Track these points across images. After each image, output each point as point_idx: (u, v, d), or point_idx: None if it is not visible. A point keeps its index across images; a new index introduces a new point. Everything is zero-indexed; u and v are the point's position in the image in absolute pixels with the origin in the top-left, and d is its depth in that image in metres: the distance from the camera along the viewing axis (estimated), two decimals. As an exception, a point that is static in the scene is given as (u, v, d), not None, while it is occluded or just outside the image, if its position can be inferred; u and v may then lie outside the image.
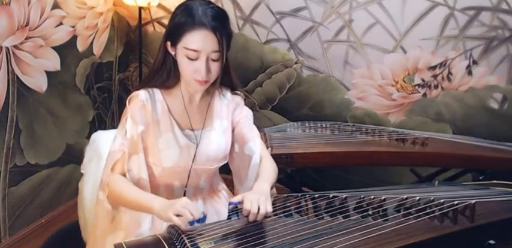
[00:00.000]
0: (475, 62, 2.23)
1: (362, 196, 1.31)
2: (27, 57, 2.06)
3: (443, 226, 1.21)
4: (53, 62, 2.23)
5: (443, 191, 1.50)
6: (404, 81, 2.36)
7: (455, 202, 1.26)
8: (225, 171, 1.53)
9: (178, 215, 1.12)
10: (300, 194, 1.32)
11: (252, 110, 1.52)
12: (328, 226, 1.17)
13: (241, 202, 1.17)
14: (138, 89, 1.37)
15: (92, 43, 2.49)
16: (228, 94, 1.47)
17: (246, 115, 1.48)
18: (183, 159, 1.37)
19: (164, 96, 1.38)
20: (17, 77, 2.03)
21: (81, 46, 2.41)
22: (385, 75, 2.39)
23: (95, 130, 1.71)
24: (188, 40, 1.25)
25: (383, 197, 1.28)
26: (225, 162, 1.47)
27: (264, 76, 2.60)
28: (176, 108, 1.39)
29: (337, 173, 2.58)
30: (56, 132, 2.31)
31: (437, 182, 1.80)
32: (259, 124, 1.52)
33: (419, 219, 1.22)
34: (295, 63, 2.52)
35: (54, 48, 2.21)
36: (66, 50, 2.30)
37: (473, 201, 1.25)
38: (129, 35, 2.79)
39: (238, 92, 1.49)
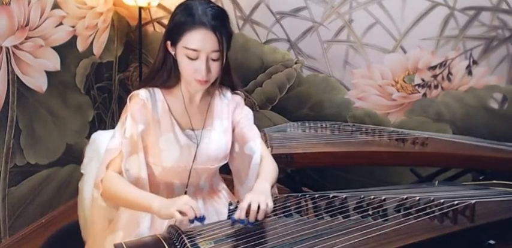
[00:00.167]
0: (475, 62, 2.23)
1: (362, 196, 1.31)
2: (27, 57, 2.06)
3: (443, 226, 1.21)
4: (53, 62, 2.23)
5: (443, 191, 1.50)
6: (404, 81, 2.36)
7: (455, 202, 1.26)
8: (225, 171, 1.53)
9: (180, 213, 1.12)
10: (300, 194, 1.32)
11: (252, 110, 1.52)
12: (328, 226, 1.17)
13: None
14: (138, 89, 1.37)
15: (92, 43, 2.49)
16: (228, 94, 1.47)
17: (246, 115, 1.48)
18: (184, 159, 1.37)
19: (165, 96, 1.38)
20: (17, 77, 2.03)
21: (81, 46, 2.41)
22: (385, 75, 2.39)
23: (95, 130, 1.71)
24: (188, 39, 1.25)
25: (383, 197, 1.28)
26: (225, 161, 1.47)
27: (264, 76, 2.60)
28: (177, 107, 1.38)
29: (337, 173, 2.58)
30: (56, 132, 2.31)
31: (437, 182, 1.80)
32: (259, 124, 1.52)
33: (419, 219, 1.22)
34: (295, 63, 2.52)
35: (54, 48, 2.21)
36: (66, 50, 2.30)
37: (473, 201, 1.25)
38: (129, 35, 2.79)
39: (239, 92, 1.49)
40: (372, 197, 1.30)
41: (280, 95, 2.61)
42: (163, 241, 1.10)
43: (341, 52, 2.42)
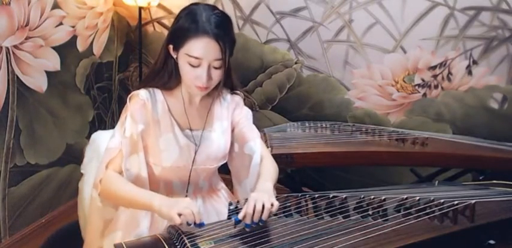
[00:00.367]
0: (475, 62, 2.23)
1: (362, 196, 1.31)
2: (27, 57, 2.06)
3: (443, 226, 1.21)
4: (53, 62, 2.23)
5: (443, 191, 1.50)
6: (404, 81, 2.36)
7: (455, 202, 1.26)
8: (224, 170, 1.53)
9: (179, 215, 1.12)
10: (300, 194, 1.32)
11: (252, 110, 1.52)
12: (328, 226, 1.17)
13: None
14: (138, 89, 1.37)
15: (92, 43, 2.49)
16: (228, 96, 1.47)
17: (245, 115, 1.48)
18: (183, 159, 1.38)
19: (165, 96, 1.38)
20: (17, 77, 2.03)
21: (81, 46, 2.41)
22: (385, 75, 2.38)
23: (95, 130, 1.71)
24: (190, 47, 1.24)
25: (383, 197, 1.28)
26: (225, 161, 1.47)
27: (264, 76, 2.60)
28: (176, 108, 1.39)
29: (337, 173, 2.58)
30: (56, 132, 2.31)
31: (437, 182, 1.80)
32: (259, 124, 1.52)
33: (419, 219, 1.22)
34: (295, 63, 2.52)
35: (54, 48, 2.21)
36: (66, 50, 2.30)
37: (473, 201, 1.25)
38: (129, 35, 2.79)
39: (238, 92, 1.49)
40: (372, 197, 1.30)
41: (280, 95, 2.61)
42: (163, 241, 1.10)
43: (341, 52, 2.42)
